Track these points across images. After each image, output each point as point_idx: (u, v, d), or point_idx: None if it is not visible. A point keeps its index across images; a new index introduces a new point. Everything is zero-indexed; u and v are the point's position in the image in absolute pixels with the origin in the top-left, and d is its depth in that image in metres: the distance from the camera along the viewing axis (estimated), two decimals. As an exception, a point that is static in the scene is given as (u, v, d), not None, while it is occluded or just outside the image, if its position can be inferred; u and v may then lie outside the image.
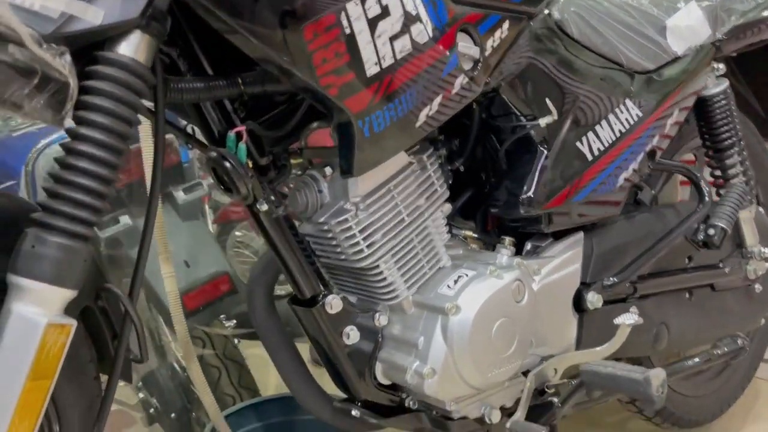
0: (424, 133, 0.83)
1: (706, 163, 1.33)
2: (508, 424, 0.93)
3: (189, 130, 0.89)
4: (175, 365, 1.59)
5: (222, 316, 1.63)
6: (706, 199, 1.21)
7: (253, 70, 0.78)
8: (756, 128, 1.59)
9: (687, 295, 1.30)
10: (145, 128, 1.14)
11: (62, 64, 0.59)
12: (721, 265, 1.35)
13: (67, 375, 0.80)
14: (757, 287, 1.43)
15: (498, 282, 0.93)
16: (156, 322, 1.57)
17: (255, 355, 1.72)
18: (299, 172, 0.92)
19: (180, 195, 1.43)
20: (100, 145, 0.62)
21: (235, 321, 1.67)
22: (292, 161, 0.90)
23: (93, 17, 0.61)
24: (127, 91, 0.63)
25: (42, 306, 0.60)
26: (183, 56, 0.77)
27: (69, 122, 0.62)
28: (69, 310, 0.65)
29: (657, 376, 0.90)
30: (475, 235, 1.09)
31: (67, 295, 0.62)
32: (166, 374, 1.58)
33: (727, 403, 1.61)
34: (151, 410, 1.59)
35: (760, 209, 1.50)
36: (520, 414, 0.95)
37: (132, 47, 0.63)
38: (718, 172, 1.31)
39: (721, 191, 1.28)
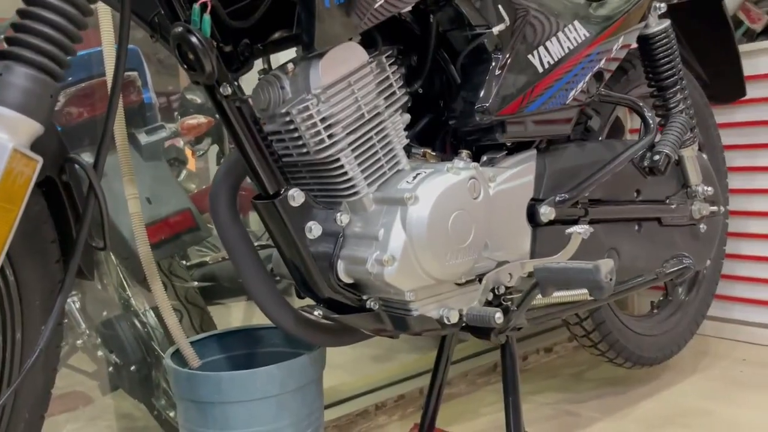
0: (379, 18, 0.87)
1: (651, 100, 1.41)
2: (464, 311, 0.96)
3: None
4: (135, 321, 1.58)
5: (183, 262, 1.64)
6: (651, 126, 1.28)
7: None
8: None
9: (636, 227, 1.36)
10: (108, 55, 1.15)
11: None
12: (667, 200, 1.43)
13: (29, 251, 0.81)
14: (702, 227, 1.51)
15: (455, 177, 0.97)
16: (119, 272, 1.57)
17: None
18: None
19: (143, 137, 1.44)
20: (69, -13, 0.64)
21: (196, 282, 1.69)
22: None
23: None
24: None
25: (9, 133, 0.61)
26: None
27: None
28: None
29: (606, 263, 0.95)
30: (434, 153, 1.13)
31: (34, 127, 0.63)
32: (127, 327, 1.58)
33: (677, 345, 1.68)
34: (111, 368, 1.58)
35: (703, 155, 1.58)
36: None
37: None
38: (661, 108, 1.38)
39: (665, 124, 1.36)
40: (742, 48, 1.79)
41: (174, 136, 1.59)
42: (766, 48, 1.77)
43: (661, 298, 1.69)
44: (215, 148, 2.54)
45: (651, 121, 1.29)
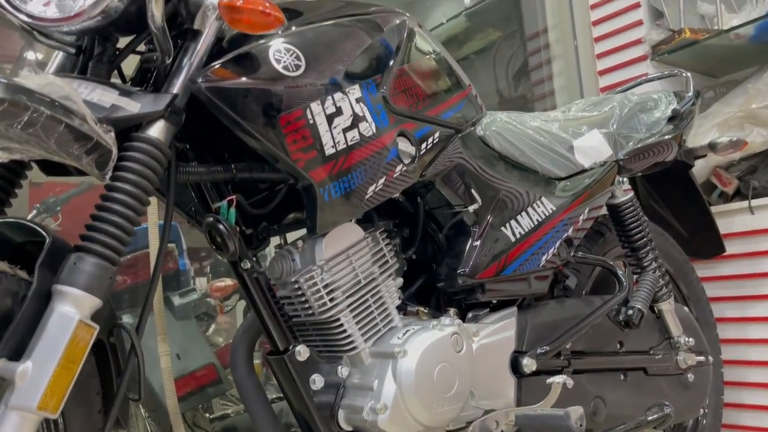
0: (372, 204, 1.08)
1: (624, 260, 1.57)
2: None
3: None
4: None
5: (207, 414, 1.76)
6: (624, 284, 1.44)
7: (244, 161, 1.04)
8: (678, 245, 1.85)
9: (622, 376, 1.47)
10: (152, 232, 1.39)
11: (109, 138, 0.85)
12: (651, 351, 1.54)
13: (77, 402, 0.98)
14: (690, 377, 1.60)
15: (439, 333, 1.13)
16: (147, 425, 1.70)
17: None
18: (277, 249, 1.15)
19: (176, 299, 1.64)
20: (129, 195, 0.86)
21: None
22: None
23: (132, 108, 0.88)
24: (151, 160, 0.88)
25: (76, 307, 0.80)
26: (191, 148, 1.04)
27: (107, 179, 0.87)
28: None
29: (576, 410, 1.07)
30: (426, 310, 1.29)
31: (95, 302, 0.82)
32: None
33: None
34: None
35: (685, 308, 1.71)
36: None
37: (157, 131, 0.89)
38: (635, 267, 1.55)
39: (638, 281, 1.51)
40: (717, 209, 1.97)
41: (204, 297, 1.78)
42: (738, 209, 1.95)
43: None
44: (242, 303, 2.74)
45: (624, 279, 1.44)
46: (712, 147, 1.72)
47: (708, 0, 2.24)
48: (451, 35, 3.28)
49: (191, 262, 1.98)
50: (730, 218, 1.96)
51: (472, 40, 3.30)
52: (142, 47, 1.00)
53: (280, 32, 0.99)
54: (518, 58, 3.00)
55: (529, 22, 2.83)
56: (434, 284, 1.30)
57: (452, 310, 1.23)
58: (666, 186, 1.87)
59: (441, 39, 3.20)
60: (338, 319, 1.10)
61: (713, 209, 1.92)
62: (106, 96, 0.87)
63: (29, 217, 2.30)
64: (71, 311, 0.80)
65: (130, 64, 1.02)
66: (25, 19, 0.84)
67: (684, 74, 1.85)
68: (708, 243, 1.91)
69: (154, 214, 1.31)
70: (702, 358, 1.62)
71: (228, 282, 2.03)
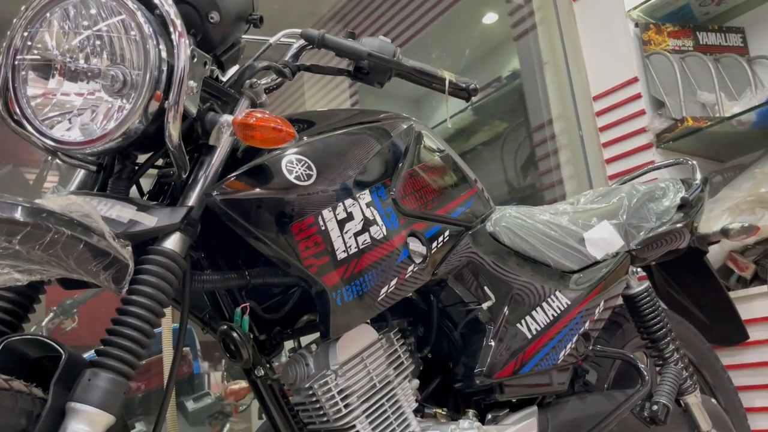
0: (385, 305, 1.08)
1: (645, 353, 1.54)
2: None
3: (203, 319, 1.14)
4: None
5: None
6: (646, 378, 1.40)
7: (257, 267, 1.06)
8: (699, 333, 1.82)
9: (656, 479, 1.41)
10: (166, 337, 1.39)
11: (126, 252, 0.87)
12: (682, 449, 1.49)
13: None
14: (724, 473, 1.53)
15: (458, 438, 1.10)
16: None
17: None
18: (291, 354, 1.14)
19: (190, 404, 1.62)
20: (145, 309, 0.87)
21: None
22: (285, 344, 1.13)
23: (149, 222, 0.91)
24: (167, 272, 0.90)
25: (89, 426, 0.79)
26: (206, 257, 1.06)
27: (124, 293, 0.88)
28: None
29: None
30: (444, 412, 1.26)
31: (109, 419, 0.81)
32: None
33: None
34: None
35: (713, 400, 1.66)
36: None
37: (172, 243, 0.91)
38: (656, 359, 1.51)
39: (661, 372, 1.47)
40: (737, 294, 1.95)
41: (219, 401, 1.75)
42: (758, 293, 1.92)
43: None
44: (256, 403, 2.69)
45: (646, 373, 1.41)
46: (725, 233, 1.72)
47: (707, 89, 2.30)
48: (459, 128, 3.38)
49: (204, 356, 1.97)
50: (750, 303, 1.94)
51: (479, 132, 3.39)
52: (159, 161, 1.04)
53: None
54: (525, 149, 3.06)
55: (534, 113, 2.91)
56: (451, 384, 1.27)
57: (471, 412, 1.20)
58: (682, 273, 1.86)
59: (449, 133, 3.29)
60: (354, 426, 1.07)
61: (732, 294, 1.90)
62: (124, 212, 0.90)
63: (46, 320, 2.32)
64: (84, 430, 0.79)
65: (148, 178, 1.06)
66: (51, 143, 0.89)
67: (690, 162, 1.88)
68: (730, 329, 1.87)
69: (168, 318, 1.32)
70: (734, 452, 1.56)
71: (242, 384, 2.00)
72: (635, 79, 2.36)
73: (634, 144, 2.35)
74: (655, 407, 1.36)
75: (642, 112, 2.33)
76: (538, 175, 2.91)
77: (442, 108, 3.36)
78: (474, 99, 1.26)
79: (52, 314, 2.39)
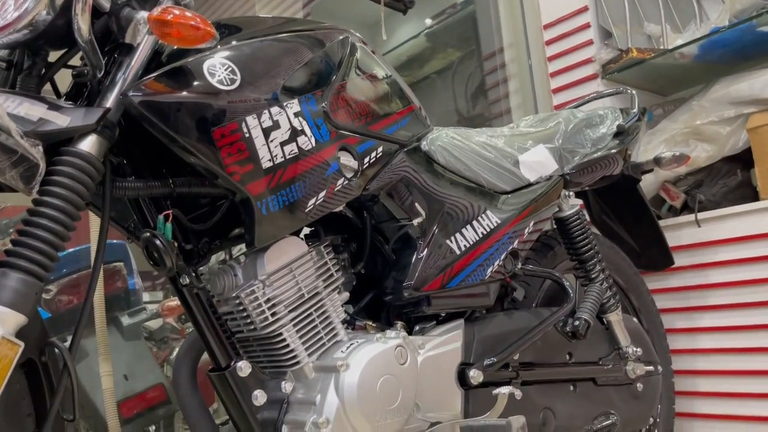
0: (313, 217, 1.08)
1: (574, 274, 1.60)
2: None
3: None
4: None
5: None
6: (571, 295, 1.45)
7: (183, 176, 1.04)
8: (629, 258, 1.89)
9: (571, 387, 1.49)
10: (94, 252, 1.36)
11: (36, 152, 0.84)
12: (600, 362, 1.56)
13: (7, 424, 0.95)
14: (639, 386, 1.62)
15: (383, 345, 1.13)
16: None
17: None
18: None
19: (125, 319, 1.61)
20: (57, 209, 0.85)
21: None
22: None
23: (61, 122, 0.87)
24: (81, 174, 0.88)
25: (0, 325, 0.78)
26: (128, 163, 1.03)
27: (35, 194, 0.86)
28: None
29: (517, 420, 1.07)
30: (374, 324, 1.29)
31: (20, 319, 0.81)
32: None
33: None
34: None
35: (634, 320, 1.74)
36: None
37: (88, 145, 0.89)
38: (583, 279, 1.57)
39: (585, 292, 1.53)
40: (666, 222, 2.02)
41: (155, 317, 1.75)
42: (685, 222, 1.99)
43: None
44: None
45: (570, 291, 1.46)
46: (657, 161, 1.76)
47: (654, 20, 2.31)
48: (412, 55, 3.32)
49: (144, 282, 1.96)
50: (678, 231, 2.01)
51: (432, 60, 3.35)
52: (77, 62, 0.99)
53: (218, 47, 0.99)
54: (476, 78, 3.05)
55: (485, 41, 2.88)
56: (383, 298, 1.30)
57: (399, 324, 1.23)
58: (617, 201, 1.91)
59: (402, 59, 3.25)
60: (281, 334, 1.09)
61: (662, 223, 1.96)
62: (33, 110, 0.86)
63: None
64: (-7, 327, 0.78)
65: (67, 80, 1.01)
66: (-50, 32, 0.83)
67: (629, 91, 1.90)
68: (657, 256, 1.95)
69: (96, 231, 1.29)
70: (651, 367, 1.65)
71: (180, 301, 2.00)
72: (585, 8, 2.34)
73: (580, 74, 2.36)
74: (576, 323, 1.42)
75: (590, 42, 2.33)
76: (488, 104, 2.91)
77: (396, 36, 3.29)
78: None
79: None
